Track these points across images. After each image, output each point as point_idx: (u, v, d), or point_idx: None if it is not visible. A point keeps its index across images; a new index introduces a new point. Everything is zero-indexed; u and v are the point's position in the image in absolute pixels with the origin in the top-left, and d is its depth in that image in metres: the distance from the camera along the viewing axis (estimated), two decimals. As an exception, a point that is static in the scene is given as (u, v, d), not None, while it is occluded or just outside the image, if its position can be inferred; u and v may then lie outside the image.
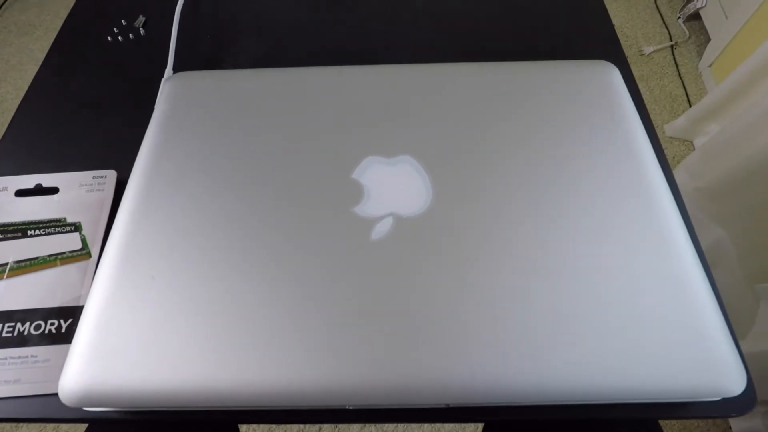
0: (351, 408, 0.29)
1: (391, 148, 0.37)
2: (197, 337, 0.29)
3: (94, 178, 0.40)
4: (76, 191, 0.39)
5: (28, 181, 0.40)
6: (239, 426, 0.65)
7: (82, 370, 0.28)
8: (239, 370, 0.28)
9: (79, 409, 0.30)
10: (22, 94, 0.48)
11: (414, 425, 1.04)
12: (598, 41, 0.52)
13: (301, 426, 1.04)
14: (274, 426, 1.04)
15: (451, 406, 0.29)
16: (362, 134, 0.37)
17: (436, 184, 0.35)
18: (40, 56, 1.61)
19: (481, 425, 1.02)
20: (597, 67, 0.41)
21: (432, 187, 0.34)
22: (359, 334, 0.29)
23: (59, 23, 0.54)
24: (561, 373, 0.27)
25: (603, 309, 0.29)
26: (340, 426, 1.04)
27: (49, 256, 0.36)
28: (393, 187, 0.35)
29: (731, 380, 0.27)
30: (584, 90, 0.40)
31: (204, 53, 0.51)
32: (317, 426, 1.04)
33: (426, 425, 1.04)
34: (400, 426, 1.04)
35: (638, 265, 0.31)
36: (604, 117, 0.38)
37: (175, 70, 0.47)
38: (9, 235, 0.37)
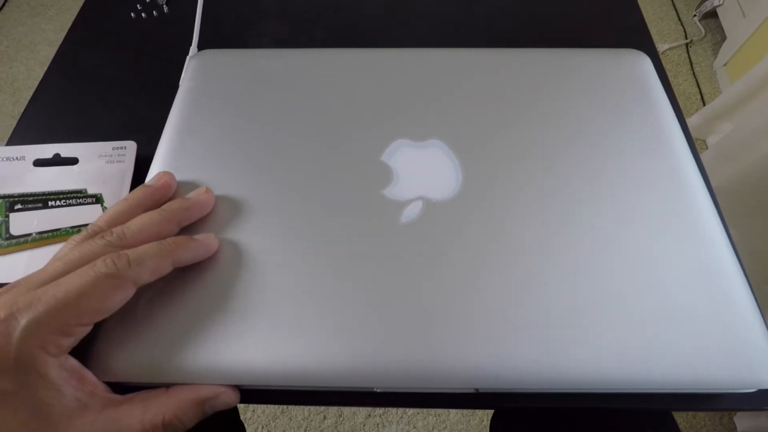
0: (379, 391, 0.29)
1: (420, 132, 0.36)
2: (221, 316, 0.28)
3: (113, 149, 0.39)
4: (95, 162, 0.39)
5: (46, 150, 0.39)
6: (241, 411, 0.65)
7: (108, 345, 0.28)
8: (265, 349, 0.27)
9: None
10: (33, 74, 0.48)
11: (419, 415, 1.05)
12: (625, 29, 0.51)
13: (306, 413, 1.04)
14: (278, 412, 1.05)
15: (480, 391, 0.29)
16: (391, 117, 0.37)
17: (465, 169, 0.34)
18: (53, 36, 1.62)
19: (488, 414, 1.03)
20: (628, 56, 0.41)
21: (462, 172, 0.34)
22: (389, 316, 0.28)
23: (71, 4, 0.53)
24: (594, 359, 0.27)
25: (636, 297, 0.29)
26: (344, 413, 1.04)
27: (72, 227, 0.35)
28: (422, 171, 0.34)
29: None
30: (616, 78, 0.39)
31: (227, 33, 0.50)
32: (322, 413, 1.04)
33: (431, 414, 1.04)
34: (405, 416, 1.05)
35: (672, 254, 0.30)
36: (635, 106, 0.37)
37: (199, 48, 0.47)
38: (29, 206, 0.36)
